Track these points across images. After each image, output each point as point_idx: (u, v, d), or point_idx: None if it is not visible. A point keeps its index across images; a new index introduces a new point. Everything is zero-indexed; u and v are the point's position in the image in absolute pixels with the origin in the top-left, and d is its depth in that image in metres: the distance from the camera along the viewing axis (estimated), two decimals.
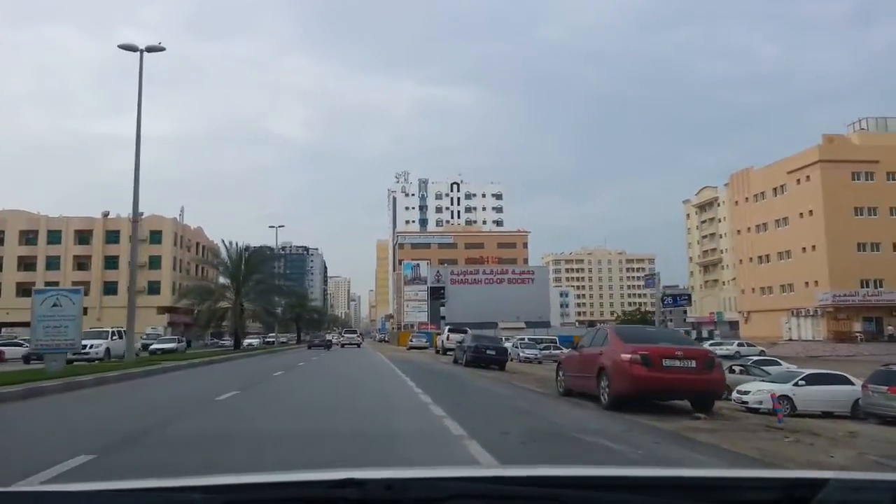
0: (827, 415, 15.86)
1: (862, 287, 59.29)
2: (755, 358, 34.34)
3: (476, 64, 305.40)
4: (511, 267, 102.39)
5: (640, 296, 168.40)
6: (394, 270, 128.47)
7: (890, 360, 22.96)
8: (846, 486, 1.44)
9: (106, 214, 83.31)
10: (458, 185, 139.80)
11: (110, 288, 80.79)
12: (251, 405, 11.12)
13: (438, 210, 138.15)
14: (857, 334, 57.81)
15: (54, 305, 16.62)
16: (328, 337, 70.00)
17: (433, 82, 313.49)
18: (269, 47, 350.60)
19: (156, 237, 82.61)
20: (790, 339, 61.74)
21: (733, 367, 22.28)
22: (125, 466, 5.45)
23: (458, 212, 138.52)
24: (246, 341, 54.87)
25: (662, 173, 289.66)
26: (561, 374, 13.17)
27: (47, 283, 60.65)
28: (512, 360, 34.88)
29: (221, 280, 44.29)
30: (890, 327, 57.76)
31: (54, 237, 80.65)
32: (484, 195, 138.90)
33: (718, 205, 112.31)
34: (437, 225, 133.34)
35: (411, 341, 55.79)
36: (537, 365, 40.56)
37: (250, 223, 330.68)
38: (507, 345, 36.77)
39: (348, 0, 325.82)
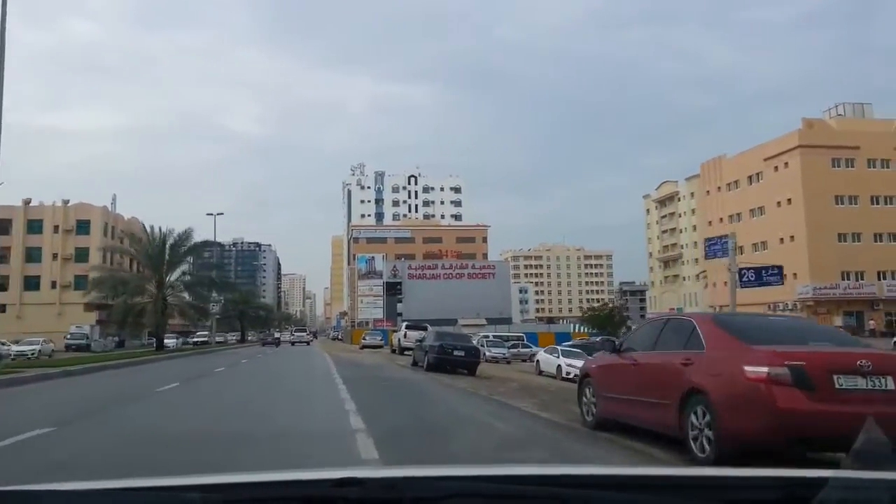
0: None
1: (843, 279, 56.28)
2: None
3: (433, 62, 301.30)
4: (471, 262, 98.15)
5: (598, 292, 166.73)
6: (348, 265, 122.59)
7: None
8: (846, 486, 1.42)
9: (27, 202, 75.62)
10: (415, 178, 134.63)
11: (32, 283, 73.27)
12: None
13: (395, 204, 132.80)
14: (839, 329, 54.63)
15: None
16: (276, 335, 72.31)
17: (390, 79, 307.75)
18: (221, 40, 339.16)
19: (83, 227, 75.29)
20: None
21: None
22: None
23: (416, 206, 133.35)
24: (173, 341, 48.91)
25: (618, 173, 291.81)
26: (589, 392, 8.07)
27: None
28: None
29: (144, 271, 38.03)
30: (871, 322, 54.81)
31: None
32: (442, 188, 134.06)
33: (679, 199, 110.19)
34: (394, 219, 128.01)
35: (364, 339, 50.49)
36: (506, 365, 35.84)
37: (201, 219, 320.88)
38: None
39: None
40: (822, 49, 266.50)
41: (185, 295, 37.72)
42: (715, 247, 24.66)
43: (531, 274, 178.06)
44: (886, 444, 1.93)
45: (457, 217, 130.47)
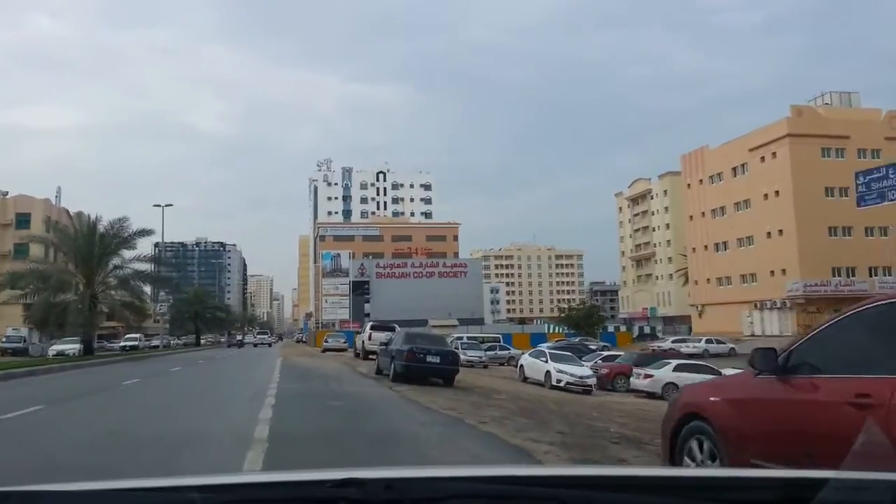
0: None
1: (834, 276, 53.54)
2: None
3: (402, 62, 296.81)
4: (442, 260, 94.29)
5: (569, 292, 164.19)
6: (314, 264, 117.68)
7: None
8: (846, 486, 1.42)
9: None
10: (384, 174, 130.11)
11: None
12: None
13: (363, 201, 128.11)
14: None
15: None
16: (239, 338, 75.85)
17: (359, 79, 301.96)
18: (186, 37, 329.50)
19: (23, 221, 69.45)
20: (753, 335, 55.43)
21: None
22: None
23: (385, 203, 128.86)
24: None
25: (586, 174, 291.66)
26: (704, 447, 3.94)
27: None
28: None
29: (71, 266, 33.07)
30: None
31: None
32: (412, 185, 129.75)
33: (652, 197, 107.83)
34: (362, 216, 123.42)
35: (326, 342, 45.96)
36: (483, 370, 31.89)
37: (167, 219, 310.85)
38: None
39: None
40: (790, 52, 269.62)
41: (114, 292, 32.85)
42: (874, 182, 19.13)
43: (502, 274, 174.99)
44: (886, 444, 1.92)
45: (427, 215, 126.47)
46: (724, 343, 47.29)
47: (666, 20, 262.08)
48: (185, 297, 68.36)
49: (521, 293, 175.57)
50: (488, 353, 37.67)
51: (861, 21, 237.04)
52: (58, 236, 33.19)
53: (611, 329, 69.82)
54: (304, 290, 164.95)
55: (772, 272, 55.41)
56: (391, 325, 29.32)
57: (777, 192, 54.99)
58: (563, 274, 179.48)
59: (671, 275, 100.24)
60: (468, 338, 44.06)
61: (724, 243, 61.61)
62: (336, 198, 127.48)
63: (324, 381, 16.39)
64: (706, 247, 63.93)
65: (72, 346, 31.51)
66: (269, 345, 69.39)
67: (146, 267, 34.37)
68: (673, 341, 48.38)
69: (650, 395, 23.22)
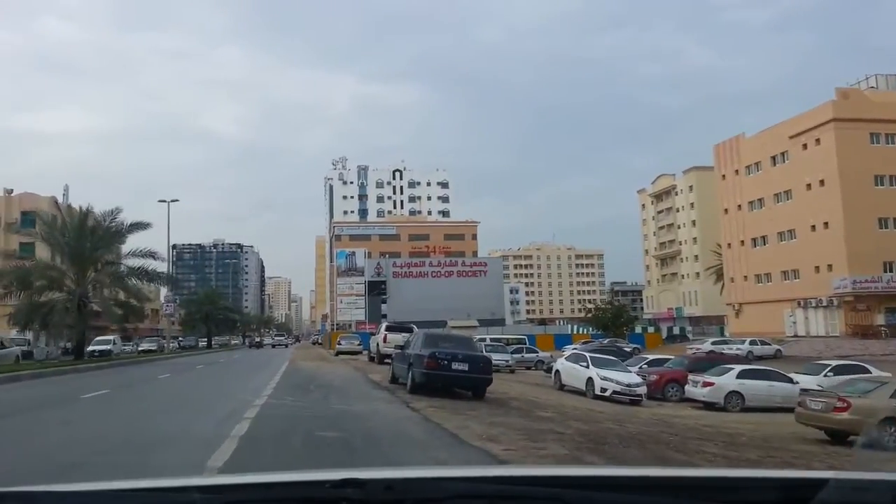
0: None
1: (885, 271, 49.54)
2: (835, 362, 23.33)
3: (415, 63, 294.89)
4: (461, 259, 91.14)
5: (589, 292, 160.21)
6: (330, 263, 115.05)
7: None
8: (846, 486, 1.43)
9: None
10: (400, 172, 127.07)
11: None
12: None
13: (380, 199, 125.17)
14: (882, 328, 47.94)
15: None
16: (257, 339, 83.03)
17: (373, 80, 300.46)
18: (199, 40, 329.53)
19: (30, 220, 67.12)
20: (796, 335, 51.60)
21: None
22: None
23: (402, 201, 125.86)
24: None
25: (602, 173, 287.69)
26: None
27: None
28: None
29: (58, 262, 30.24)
30: None
31: None
32: (429, 183, 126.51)
33: (676, 193, 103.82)
34: (379, 215, 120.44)
35: (339, 344, 42.93)
36: (509, 375, 28.71)
37: (182, 222, 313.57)
38: None
39: None
40: (801, 50, 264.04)
41: (107, 291, 29.99)
42: None
43: (521, 274, 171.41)
44: (887, 444, 2.03)
45: (444, 213, 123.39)
46: (769, 344, 43.65)
47: (677, 18, 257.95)
48: (194, 297, 65.77)
49: (540, 293, 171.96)
50: (514, 356, 34.47)
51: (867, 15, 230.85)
52: (44, 230, 30.41)
53: (637, 330, 66.17)
54: (321, 292, 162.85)
55: (816, 268, 51.51)
56: (409, 326, 26.37)
57: (822, 182, 51.09)
58: (583, 274, 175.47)
59: (698, 273, 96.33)
60: (491, 339, 40.90)
61: (763, 237, 57.73)
62: (352, 197, 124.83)
63: (324, 395, 13.28)
64: (742, 242, 60.05)
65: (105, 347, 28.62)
66: (286, 346, 71.52)
67: (146, 264, 31.49)
68: (713, 342, 44.79)
69: (708, 406, 19.93)
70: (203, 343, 65.62)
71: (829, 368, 21.59)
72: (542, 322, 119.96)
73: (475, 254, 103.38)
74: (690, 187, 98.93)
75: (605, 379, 19.92)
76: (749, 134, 60.80)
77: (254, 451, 6.70)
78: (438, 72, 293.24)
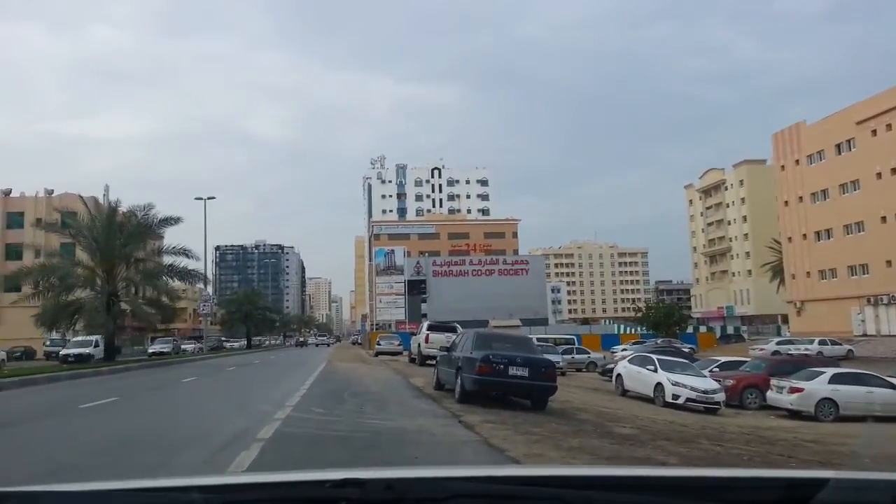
0: None
1: None
2: None
3: (454, 62, 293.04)
4: (502, 257, 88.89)
5: (633, 291, 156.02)
6: (369, 262, 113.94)
7: None
8: (846, 486, 1.43)
9: (7, 192, 67.72)
10: (439, 170, 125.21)
11: (13, 283, 65.37)
12: None
13: (418, 198, 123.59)
14: None
15: None
16: (301, 339, 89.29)
17: (412, 81, 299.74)
18: (242, 44, 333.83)
19: (70, 221, 67.46)
20: (865, 335, 47.94)
21: None
22: None
23: (440, 200, 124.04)
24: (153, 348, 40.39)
25: (644, 169, 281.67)
26: None
27: None
28: None
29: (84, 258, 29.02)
30: None
31: None
32: (468, 181, 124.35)
33: (726, 188, 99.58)
34: (418, 214, 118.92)
35: (379, 344, 41.19)
36: (560, 377, 26.36)
37: (225, 224, 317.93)
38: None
39: None
40: (850, 42, 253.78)
41: (138, 289, 28.72)
42: None
43: (562, 273, 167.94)
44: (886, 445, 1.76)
45: (484, 211, 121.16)
46: (839, 344, 40.39)
47: (725, 10, 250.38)
48: (234, 297, 64.93)
49: (582, 293, 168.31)
50: (565, 357, 32.15)
51: None
52: (72, 227, 29.23)
53: (689, 330, 62.89)
54: (361, 292, 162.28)
55: (888, 262, 47.80)
56: (452, 325, 24.44)
57: (893, 170, 47.41)
58: (626, 272, 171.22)
59: (749, 271, 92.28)
60: (538, 339, 38.58)
61: (828, 231, 54.04)
62: (391, 196, 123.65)
63: (359, 405, 11.27)
64: (805, 235, 56.40)
65: (83, 350, 27.27)
66: (328, 345, 76.35)
67: (180, 261, 30.13)
68: (777, 343, 41.69)
69: (794, 415, 17.40)
70: (234, 344, 64.76)
71: None
72: (585, 321, 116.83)
73: (515, 252, 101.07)
74: (741, 182, 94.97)
75: (676, 384, 17.55)
76: (810, 121, 57.15)
77: None
78: (479, 70, 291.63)
